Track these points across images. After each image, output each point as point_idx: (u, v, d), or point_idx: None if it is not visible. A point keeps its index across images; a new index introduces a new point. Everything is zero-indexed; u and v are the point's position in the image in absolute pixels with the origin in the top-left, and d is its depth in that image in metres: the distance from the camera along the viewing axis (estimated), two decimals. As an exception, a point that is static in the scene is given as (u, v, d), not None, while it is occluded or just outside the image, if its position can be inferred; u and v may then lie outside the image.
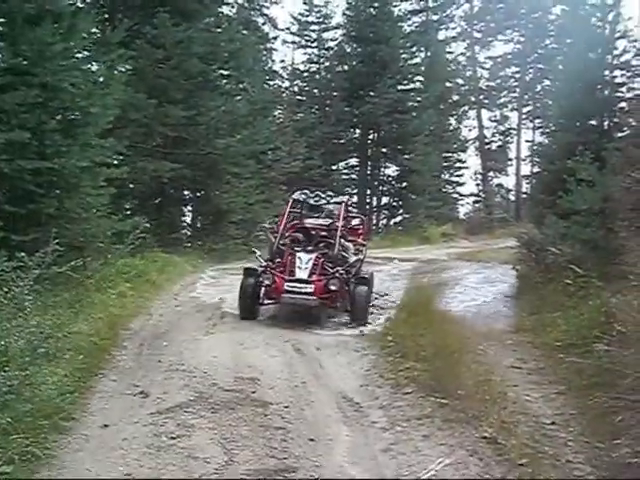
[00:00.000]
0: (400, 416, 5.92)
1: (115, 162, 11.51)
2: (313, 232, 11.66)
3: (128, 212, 14.19)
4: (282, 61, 35.75)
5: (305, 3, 36.44)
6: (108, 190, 10.69)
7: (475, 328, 9.62)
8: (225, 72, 18.00)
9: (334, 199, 12.54)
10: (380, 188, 34.26)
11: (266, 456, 5.03)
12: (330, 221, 12.03)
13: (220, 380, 6.77)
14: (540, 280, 11.83)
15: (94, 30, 12.11)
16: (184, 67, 15.36)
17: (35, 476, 4.55)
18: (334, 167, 32.92)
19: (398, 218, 33.77)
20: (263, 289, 10.33)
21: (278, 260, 10.94)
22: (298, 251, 10.76)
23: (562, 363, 7.66)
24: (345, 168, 34.50)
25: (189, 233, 19.25)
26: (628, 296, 8.20)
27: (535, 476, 4.72)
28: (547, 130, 22.30)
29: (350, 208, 13.76)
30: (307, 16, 36.15)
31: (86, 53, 10.43)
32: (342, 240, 11.38)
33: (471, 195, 42.30)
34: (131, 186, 15.21)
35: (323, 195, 12.49)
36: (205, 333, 9.04)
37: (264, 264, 10.64)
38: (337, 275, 10.25)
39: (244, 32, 21.58)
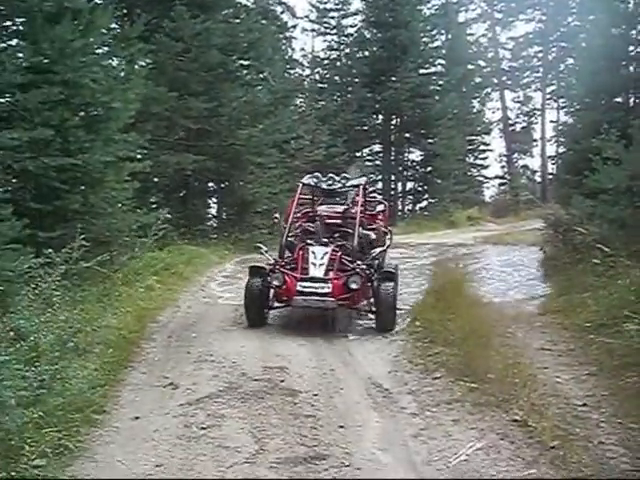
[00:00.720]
0: (429, 401, 5.90)
1: (139, 156, 11.54)
2: (328, 221, 10.28)
3: (153, 205, 14.22)
4: (302, 49, 35.76)
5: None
6: (132, 184, 10.72)
7: (503, 311, 9.55)
8: (245, 62, 17.90)
9: (350, 182, 10.91)
10: (404, 173, 34.13)
11: (297, 444, 5.04)
12: (346, 207, 10.66)
13: (249, 370, 6.79)
14: (568, 261, 11.73)
15: (113, 25, 12.12)
16: (203, 59, 15.34)
17: (68, 469, 4.59)
18: (357, 154, 32.78)
19: (423, 203, 33.66)
20: (272, 291, 9.05)
21: (288, 255, 9.61)
22: (311, 244, 9.44)
23: (592, 344, 7.59)
24: (369, 154, 34.42)
25: (215, 225, 19.29)
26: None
27: (567, 459, 4.67)
28: (571, 109, 22.00)
29: (370, 192, 12.25)
30: (325, 3, 36.04)
31: (105, 49, 10.43)
32: (362, 229, 10.02)
33: (496, 177, 42.05)
34: (155, 180, 15.25)
35: (337, 178, 10.86)
36: (233, 323, 9.06)
37: (272, 261, 9.26)
38: (358, 271, 8.90)
39: (262, 22, 21.47)
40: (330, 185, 10.63)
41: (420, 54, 31.68)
